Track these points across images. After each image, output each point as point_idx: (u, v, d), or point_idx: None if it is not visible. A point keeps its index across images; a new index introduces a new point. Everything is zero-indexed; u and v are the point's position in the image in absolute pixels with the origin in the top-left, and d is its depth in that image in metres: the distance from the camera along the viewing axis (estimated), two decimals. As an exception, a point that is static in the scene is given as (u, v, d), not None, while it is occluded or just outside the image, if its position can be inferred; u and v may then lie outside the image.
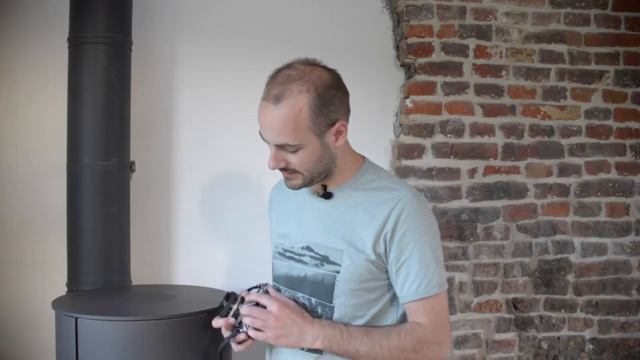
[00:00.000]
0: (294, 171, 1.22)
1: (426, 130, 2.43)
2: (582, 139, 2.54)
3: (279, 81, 1.18)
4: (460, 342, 2.44)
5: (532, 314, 2.49)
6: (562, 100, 2.53)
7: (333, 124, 1.20)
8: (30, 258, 2.12)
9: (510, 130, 2.49)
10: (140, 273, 2.14)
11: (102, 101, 1.95)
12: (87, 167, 1.94)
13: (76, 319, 1.54)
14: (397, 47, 2.46)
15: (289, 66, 1.21)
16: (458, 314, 2.43)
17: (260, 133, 1.21)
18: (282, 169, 1.23)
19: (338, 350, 1.20)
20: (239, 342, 1.28)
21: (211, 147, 2.29)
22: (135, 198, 2.11)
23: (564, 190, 2.53)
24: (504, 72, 2.49)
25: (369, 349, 1.19)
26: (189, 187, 2.27)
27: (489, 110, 2.48)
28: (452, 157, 2.44)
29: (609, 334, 2.54)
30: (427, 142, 2.43)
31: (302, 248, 1.30)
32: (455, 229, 2.43)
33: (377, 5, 2.45)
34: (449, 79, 2.44)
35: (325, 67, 1.22)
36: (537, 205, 2.51)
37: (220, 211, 2.30)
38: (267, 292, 1.27)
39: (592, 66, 2.55)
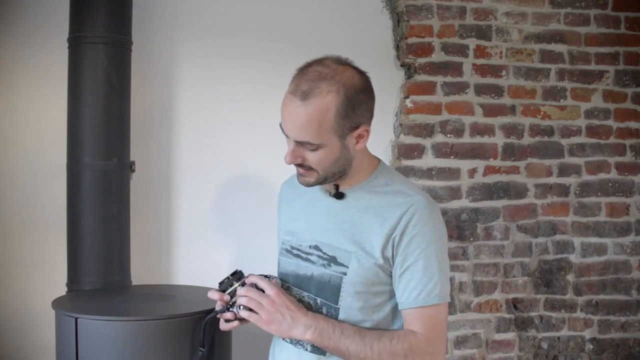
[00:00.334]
0: (310, 168, 1.21)
1: (426, 130, 2.43)
2: (582, 139, 2.54)
3: (309, 77, 1.15)
4: (460, 342, 2.44)
5: (532, 314, 2.49)
6: (562, 100, 2.53)
7: (357, 127, 1.19)
8: (30, 258, 2.12)
9: (510, 130, 2.49)
10: (140, 273, 2.14)
11: (102, 101, 1.95)
12: (87, 167, 1.94)
13: (76, 319, 1.54)
14: (397, 47, 2.46)
15: (319, 62, 1.19)
16: (458, 314, 2.43)
17: (280, 125, 1.20)
18: (298, 165, 1.22)
19: (328, 345, 1.19)
20: (226, 321, 1.27)
21: (211, 147, 2.29)
22: (135, 198, 2.11)
23: (564, 190, 2.53)
24: (504, 72, 2.49)
25: (360, 348, 1.18)
26: (189, 187, 2.27)
27: (489, 110, 2.48)
28: (452, 157, 2.44)
29: (609, 334, 2.54)
30: (427, 142, 2.43)
31: (310, 247, 1.29)
32: (455, 229, 2.43)
33: (377, 5, 2.45)
34: (449, 79, 2.44)
35: (356, 69, 1.20)
36: (537, 205, 2.51)
37: (220, 211, 2.30)
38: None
39: (592, 66, 2.55)
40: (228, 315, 1.26)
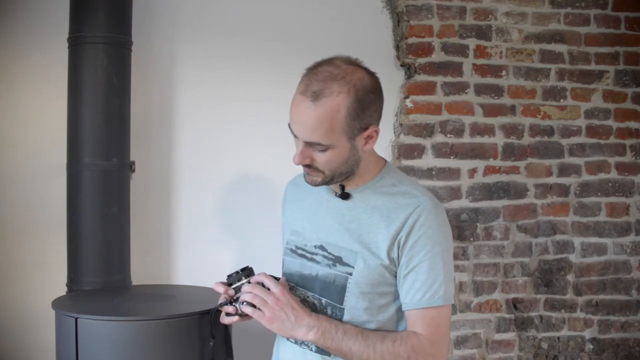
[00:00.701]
0: (317, 169, 1.21)
1: (426, 130, 2.43)
2: (582, 139, 2.54)
3: (320, 77, 1.15)
4: (460, 342, 2.44)
5: (532, 314, 2.49)
6: (562, 100, 2.53)
7: (366, 128, 1.19)
8: (30, 258, 2.12)
9: (510, 130, 2.49)
10: (140, 273, 2.14)
11: (102, 101, 1.95)
12: (87, 167, 1.94)
13: (76, 319, 1.54)
14: (397, 47, 2.46)
15: (330, 62, 1.18)
16: (458, 314, 2.43)
17: (289, 126, 1.19)
18: (305, 165, 1.22)
19: (331, 346, 1.20)
20: (227, 315, 1.28)
21: (211, 147, 2.29)
22: (135, 198, 2.11)
23: (564, 190, 2.53)
24: (504, 72, 2.49)
25: (362, 349, 1.18)
26: (189, 187, 2.27)
27: (489, 110, 2.48)
28: (452, 157, 2.44)
29: (609, 334, 2.54)
30: (427, 142, 2.43)
31: (315, 247, 1.29)
32: (455, 229, 2.43)
33: (377, 5, 2.45)
34: (449, 79, 2.44)
35: (366, 70, 1.20)
36: (537, 205, 2.51)
37: (221, 211, 2.30)
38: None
39: (592, 66, 2.55)
40: (229, 309, 1.27)
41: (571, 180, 2.53)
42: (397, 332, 1.24)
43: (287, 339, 1.30)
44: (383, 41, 2.45)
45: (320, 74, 1.16)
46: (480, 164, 2.47)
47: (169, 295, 1.86)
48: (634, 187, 2.57)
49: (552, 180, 2.52)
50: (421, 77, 2.42)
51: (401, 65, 2.46)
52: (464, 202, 2.45)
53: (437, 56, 2.43)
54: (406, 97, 2.42)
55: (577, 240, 2.53)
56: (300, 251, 1.32)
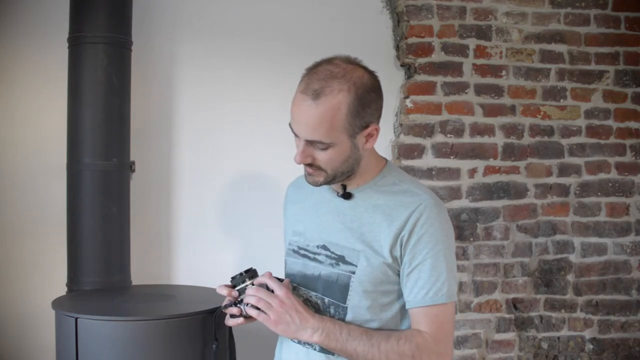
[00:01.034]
0: (319, 168, 1.21)
1: (426, 130, 2.43)
2: (582, 139, 2.54)
3: (320, 76, 1.15)
4: (460, 342, 2.44)
5: (532, 314, 2.49)
6: (562, 100, 2.53)
7: (367, 126, 1.19)
8: (30, 258, 2.12)
9: (510, 130, 2.49)
10: (140, 273, 2.14)
11: (102, 101, 1.95)
12: (87, 167, 1.94)
13: (76, 319, 1.54)
14: (397, 47, 2.46)
15: (329, 61, 1.19)
16: (458, 314, 2.43)
17: (290, 125, 1.20)
18: (307, 165, 1.22)
19: (336, 347, 1.20)
20: (232, 316, 1.28)
21: (211, 147, 2.29)
22: (135, 198, 2.11)
23: (564, 190, 2.53)
24: (504, 72, 2.49)
25: (367, 349, 1.18)
26: (189, 187, 2.27)
27: (489, 110, 2.48)
28: (452, 157, 2.44)
29: (609, 334, 2.54)
30: (427, 142, 2.43)
31: (318, 247, 1.29)
32: (456, 229, 2.43)
33: (377, 5, 2.45)
34: (449, 79, 2.44)
35: (366, 69, 1.21)
36: (537, 205, 2.51)
37: (221, 211, 2.30)
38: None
39: (592, 66, 2.55)
40: (234, 310, 1.27)
41: (571, 180, 2.53)
42: (402, 330, 1.24)
43: (291, 339, 1.30)
44: (383, 41, 2.46)
45: (321, 73, 1.16)
46: (480, 164, 2.47)
47: (169, 295, 1.86)
48: (634, 187, 2.57)
49: (552, 180, 2.52)
50: (421, 77, 2.42)
51: (401, 65, 2.46)
52: (464, 202, 2.45)
53: (437, 56, 2.43)
54: (406, 97, 2.42)
55: (577, 240, 2.53)
56: (302, 251, 1.33)
